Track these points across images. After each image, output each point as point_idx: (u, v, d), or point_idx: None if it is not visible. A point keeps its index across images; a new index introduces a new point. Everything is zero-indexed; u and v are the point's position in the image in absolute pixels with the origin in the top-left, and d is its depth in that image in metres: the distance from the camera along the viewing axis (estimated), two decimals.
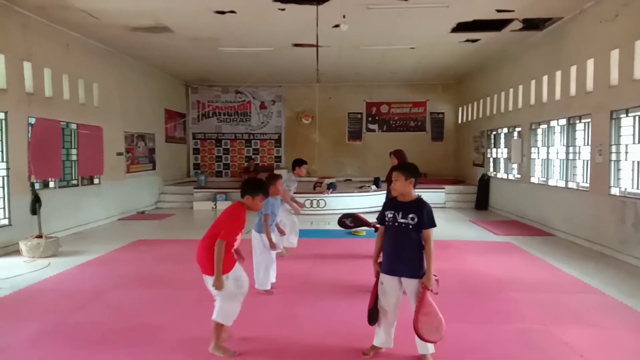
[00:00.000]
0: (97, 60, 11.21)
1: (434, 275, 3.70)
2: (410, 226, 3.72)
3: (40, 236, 7.84)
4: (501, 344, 4.23)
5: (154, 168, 14.50)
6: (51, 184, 9.54)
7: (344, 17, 8.50)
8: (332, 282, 6.18)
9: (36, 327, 4.63)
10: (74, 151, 10.21)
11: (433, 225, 3.73)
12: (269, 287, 5.70)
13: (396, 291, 3.83)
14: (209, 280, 3.95)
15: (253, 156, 18.02)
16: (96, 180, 11.13)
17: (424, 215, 3.71)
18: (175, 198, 14.64)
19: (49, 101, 9.27)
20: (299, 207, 7.71)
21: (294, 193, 7.86)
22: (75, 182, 10.33)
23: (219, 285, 3.83)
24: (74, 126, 10.17)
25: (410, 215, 3.73)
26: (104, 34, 10.31)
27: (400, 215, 3.77)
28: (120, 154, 12.32)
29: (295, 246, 7.62)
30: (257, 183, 4.20)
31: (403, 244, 3.77)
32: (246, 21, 9.48)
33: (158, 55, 12.79)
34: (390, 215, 3.83)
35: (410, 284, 3.77)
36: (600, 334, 4.47)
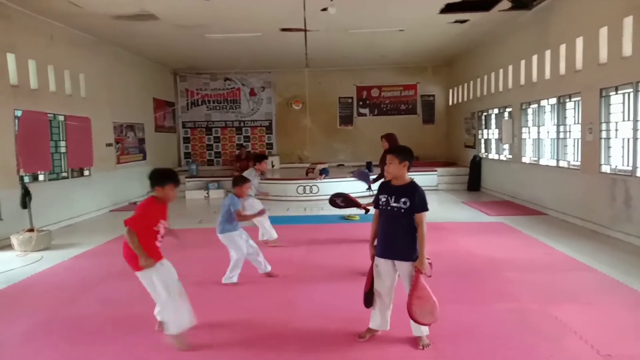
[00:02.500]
0: (83, 50, 11.03)
1: (428, 258, 3.71)
2: (403, 210, 3.73)
3: (31, 230, 7.77)
4: (496, 324, 4.27)
5: (144, 158, 14.38)
6: (41, 177, 9.44)
7: (331, 0, 8.40)
8: (327, 267, 6.19)
9: (30, 321, 4.61)
10: (62, 143, 10.09)
11: (425, 209, 3.73)
12: (235, 281, 5.63)
13: (390, 274, 3.85)
14: (140, 277, 3.93)
15: (244, 144, 17.92)
16: (86, 172, 11.03)
17: (416, 199, 3.71)
18: None
19: (35, 93, 9.13)
20: (263, 195, 7.99)
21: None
22: (65, 174, 10.23)
23: (146, 264, 3.81)
24: (61, 118, 10.03)
25: (403, 200, 3.74)
26: (88, 23, 10.13)
27: (392, 200, 3.77)
28: (109, 144, 12.20)
29: (276, 236, 7.57)
30: (164, 172, 4.10)
31: (396, 228, 3.79)
32: (233, 6, 9.34)
33: (145, 44, 12.60)
34: (383, 199, 3.83)
35: (403, 267, 3.79)
36: (594, 311, 4.52)
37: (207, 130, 18.14)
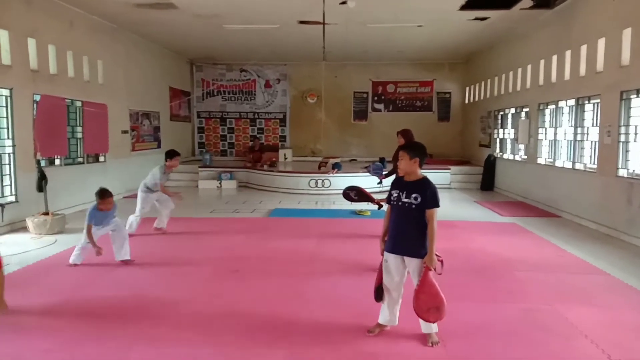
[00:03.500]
0: (102, 37, 11.11)
1: (438, 255, 3.70)
2: (414, 206, 3.72)
3: (46, 213, 7.88)
4: (506, 323, 4.25)
5: (159, 146, 14.48)
6: (57, 162, 9.55)
7: None
8: (337, 261, 6.20)
9: (46, 302, 4.69)
10: (79, 129, 10.20)
11: (436, 205, 3.71)
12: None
13: (399, 270, 3.85)
14: None
15: (258, 135, 17.96)
16: (102, 158, 11.14)
17: (427, 195, 3.70)
18: (181, 177, 14.64)
19: (54, 78, 9.22)
20: (175, 196, 8.25)
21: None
22: (80, 159, 10.34)
23: None
24: (78, 103, 10.13)
25: (414, 195, 3.73)
26: (108, 10, 10.19)
27: (404, 195, 3.77)
28: (125, 132, 12.30)
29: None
30: None
31: (406, 224, 3.78)
32: None
33: (162, 32, 12.66)
34: (395, 195, 3.84)
35: (413, 263, 3.79)
36: (605, 314, 4.48)
37: (221, 121, 18.20)
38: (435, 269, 3.70)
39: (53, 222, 7.73)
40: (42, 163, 8.82)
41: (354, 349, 3.74)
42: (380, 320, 4.01)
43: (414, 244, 3.76)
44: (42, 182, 8.17)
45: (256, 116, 18.17)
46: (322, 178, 12.69)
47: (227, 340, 3.89)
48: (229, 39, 13.35)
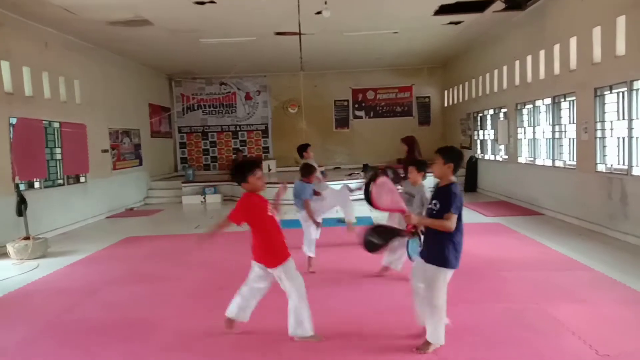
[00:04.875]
0: (77, 56, 11.01)
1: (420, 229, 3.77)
2: (434, 212, 3.67)
3: (27, 237, 7.74)
4: (494, 323, 4.27)
5: (140, 164, 14.36)
6: (36, 185, 9.40)
7: (325, 2, 8.41)
8: (326, 271, 6.17)
9: (28, 329, 4.59)
10: (58, 150, 10.06)
11: (446, 210, 3.57)
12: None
13: (422, 274, 3.80)
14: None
15: (241, 148, 17.91)
16: (82, 179, 11.00)
17: (443, 201, 3.62)
18: (164, 193, 14.54)
19: (30, 100, 9.10)
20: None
21: None
22: (60, 181, 10.20)
23: None
24: (56, 125, 10.01)
25: (434, 201, 3.71)
26: (82, 29, 10.12)
27: (431, 200, 3.79)
28: (105, 151, 12.17)
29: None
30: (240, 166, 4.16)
31: (429, 230, 3.74)
32: (226, 11, 9.34)
33: (139, 50, 12.60)
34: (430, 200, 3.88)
35: (427, 271, 3.73)
36: (591, 310, 4.53)
37: (203, 135, 18.13)
38: (409, 221, 3.68)
39: (34, 246, 7.58)
40: (21, 187, 8.67)
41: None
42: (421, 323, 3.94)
43: (432, 251, 3.70)
44: (21, 206, 8.02)
45: (238, 129, 18.13)
46: None
47: (213, 355, 3.84)
48: (206, 53, 13.33)
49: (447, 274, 3.69)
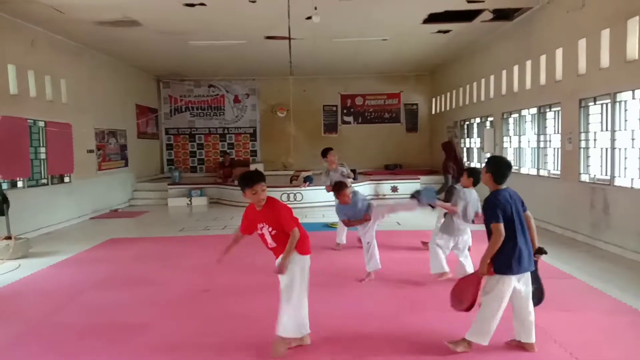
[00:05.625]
0: (65, 55, 10.91)
1: (493, 272, 3.75)
2: (486, 222, 3.80)
3: (9, 237, 7.62)
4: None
5: (126, 165, 14.24)
6: (19, 184, 9.27)
7: (315, 8, 8.44)
8: (311, 275, 6.16)
9: (8, 332, 4.51)
10: (42, 149, 9.94)
11: (490, 220, 3.69)
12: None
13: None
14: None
15: (228, 151, 17.85)
16: (67, 179, 10.87)
17: (484, 210, 3.78)
18: (149, 195, 14.42)
19: (15, 98, 8.99)
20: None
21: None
22: (44, 181, 10.07)
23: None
24: (41, 124, 9.89)
25: (482, 210, 3.86)
26: (70, 29, 10.04)
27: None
28: (91, 151, 12.05)
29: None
30: (244, 177, 4.02)
31: (488, 236, 3.80)
32: (216, 14, 9.34)
33: (128, 50, 12.52)
34: None
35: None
36: (573, 318, 4.58)
37: (190, 137, 18.05)
38: (481, 276, 3.78)
39: (16, 246, 7.47)
40: (4, 186, 8.55)
41: None
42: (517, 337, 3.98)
43: (495, 260, 3.74)
44: (3, 206, 7.90)
45: (226, 131, 18.08)
46: (295, 192, 12.67)
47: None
48: (195, 55, 13.29)
49: (506, 280, 3.73)
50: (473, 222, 5.43)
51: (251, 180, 3.89)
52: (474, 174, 5.49)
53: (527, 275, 3.84)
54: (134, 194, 14.41)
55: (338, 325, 4.47)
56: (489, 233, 3.75)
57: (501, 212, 3.67)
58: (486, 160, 3.99)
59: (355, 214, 5.98)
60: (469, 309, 3.85)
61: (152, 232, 9.64)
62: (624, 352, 3.89)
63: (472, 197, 5.48)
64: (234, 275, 6.09)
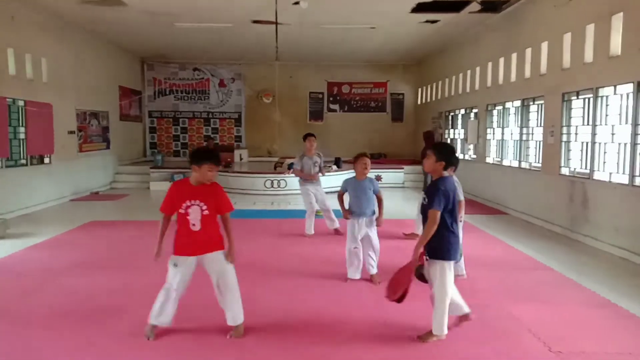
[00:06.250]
0: (46, 34, 10.65)
1: (424, 260, 3.82)
2: (425, 205, 3.87)
3: None
4: (454, 319, 4.34)
5: (108, 147, 14.04)
6: None
7: None
8: (294, 261, 6.18)
9: None
10: (21, 129, 9.72)
11: (430, 207, 3.75)
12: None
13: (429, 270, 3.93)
14: None
15: (212, 135, 17.70)
16: (46, 160, 10.68)
17: (429, 196, 3.81)
18: (131, 178, 14.26)
19: None
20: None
21: None
22: (23, 161, 9.87)
23: (155, 256, 3.89)
24: (21, 103, 9.67)
25: (424, 195, 3.92)
26: (52, 6, 9.80)
27: (423, 196, 3.99)
28: (72, 132, 11.84)
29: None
30: (203, 152, 3.94)
31: (424, 222, 3.89)
32: None
33: (112, 30, 12.29)
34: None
35: (431, 265, 3.88)
36: (549, 309, 4.66)
37: (174, 121, 17.84)
38: (415, 262, 3.82)
39: None
40: None
41: (309, 352, 3.74)
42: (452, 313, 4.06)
43: (430, 244, 3.81)
44: None
45: (210, 116, 17.91)
46: (278, 178, 12.64)
47: (177, 346, 3.81)
48: (181, 38, 13.10)
49: (448, 266, 3.83)
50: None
51: (214, 157, 3.86)
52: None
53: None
54: (115, 176, 14.23)
55: (318, 312, 4.49)
56: (425, 218, 3.84)
57: (444, 200, 3.74)
58: (434, 148, 3.93)
59: (360, 196, 5.45)
60: (401, 299, 3.92)
61: (132, 216, 9.55)
62: (599, 343, 3.96)
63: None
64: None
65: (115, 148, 14.53)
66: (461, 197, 5.40)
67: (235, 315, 3.97)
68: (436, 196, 3.72)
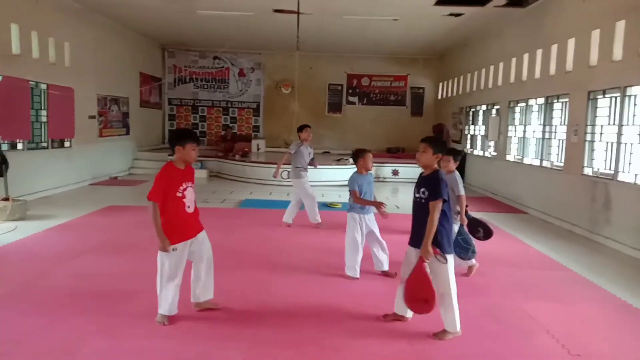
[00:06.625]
0: (69, 18, 10.74)
1: (439, 251, 3.70)
2: (423, 200, 3.75)
3: (7, 199, 7.59)
4: (470, 318, 4.27)
5: (127, 133, 14.16)
6: (19, 146, 9.22)
7: None
8: (307, 252, 6.16)
9: (0, 290, 4.51)
10: (43, 112, 9.85)
11: (436, 197, 3.66)
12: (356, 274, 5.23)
13: (413, 262, 3.81)
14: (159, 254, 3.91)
15: (230, 125, 17.74)
16: (67, 144, 10.81)
17: (431, 187, 3.71)
18: (150, 164, 14.36)
19: (16, 59, 8.87)
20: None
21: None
22: (44, 144, 10.00)
23: (161, 247, 3.81)
24: (43, 86, 9.78)
25: (422, 189, 3.78)
26: None
27: (417, 190, 3.84)
28: (92, 117, 11.96)
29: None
30: (183, 132, 4.05)
31: (419, 217, 3.82)
32: None
33: (134, 16, 12.33)
34: (415, 189, 3.91)
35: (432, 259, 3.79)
36: (566, 309, 4.57)
37: (193, 109, 17.92)
38: (428, 260, 3.68)
39: (13, 208, 7.45)
40: (4, 147, 8.50)
41: (317, 343, 3.71)
42: (396, 310, 4.08)
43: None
44: (2, 167, 7.85)
45: (229, 105, 17.95)
46: None
47: (187, 331, 3.81)
48: (202, 25, 13.11)
49: (450, 259, 3.77)
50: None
51: (195, 135, 3.95)
52: (458, 156, 5.59)
53: None
54: (134, 162, 14.36)
55: (330, 304, 4.46)
56: (421, 211, 3.73)
57: (446, 190, 3.70)
58: (431, 141, 3.82)
59: (369, 191, 5.32)
60: (433, 305, 3.71)
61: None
62: (614, 344, 3.88)
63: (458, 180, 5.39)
64: (229, 249, 6.08)
65: (135, 134, 14.64)
66: (462, 192, 5.28)
67: (211, 289, 4.13)
68: (439, 186, 3.67)
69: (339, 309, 4.37)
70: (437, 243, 3.71)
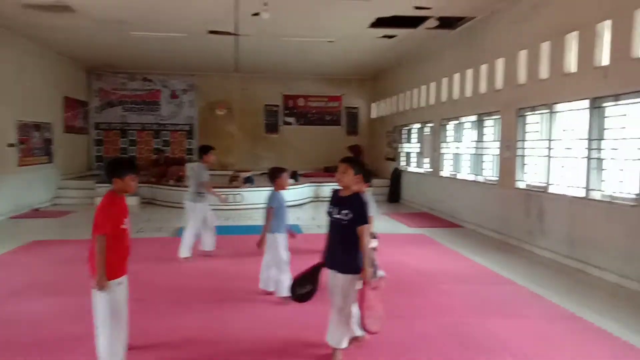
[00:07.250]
0: None
1: (381, 272, 3.68)
2: (344, 222, 3.65)
3: None
4: (428, 339, 4.25)
5: (50, 161, 13.25)
6: None
7: (265, 4, 8.18)
8: (257, 280, 5.93)
9: None
10: None
11: (364, 222, 3.64)
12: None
13: (339, 286, 3.72)
14: (93, 293, 3.53)
15: (163, 148, 17.10)
16: None
17: (357, 211, 3.64)
18: (75, 193, 13.50)
19: None
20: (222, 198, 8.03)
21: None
22: None
23: (99, 285, 3.45)
24: None
25: (344, 211, 3.67)
26: None
27: (336, 210, 3.71)
28: (11, 145, 11.07)
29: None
30: (122, 162, 3.82)
31: (335, 239, 3.74)
32: (157, 3, 8.86)
33: (58, 38, 11.65)
34: (330, 209, 3.78)
35: (337, 279, 3.71)
36: (521, 324, 4.64)
37: (122, 133, 17.12)
38: (368, 282, 3.65)
39: None
40: None
41: None
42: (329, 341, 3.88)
43: (342, 260, 3.69)
44: None
45: (161, 127, 17.32)
46: (234, 193, 12.31)
47: None
48: (131, 47, 12.63)
49: (358, 281, 3.72)
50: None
51: (134, 166, 3.75)
52: (369, 177, 5.48)
53: None
54: (58, 192, 13.43)
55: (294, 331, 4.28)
56: (339, 232, 3.69)
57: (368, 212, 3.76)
58: (350, 162, 3.79)
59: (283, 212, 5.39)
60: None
61: (78, 234, 8.93)
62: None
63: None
64: (170, 282, 5.75)
65: (59, 162, 13.74)
66: (372, 213, 5.27)
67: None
68: (365, 210, 3.68)
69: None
70: (348, 263, 3.68)
